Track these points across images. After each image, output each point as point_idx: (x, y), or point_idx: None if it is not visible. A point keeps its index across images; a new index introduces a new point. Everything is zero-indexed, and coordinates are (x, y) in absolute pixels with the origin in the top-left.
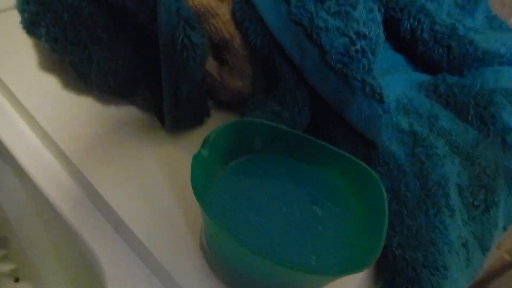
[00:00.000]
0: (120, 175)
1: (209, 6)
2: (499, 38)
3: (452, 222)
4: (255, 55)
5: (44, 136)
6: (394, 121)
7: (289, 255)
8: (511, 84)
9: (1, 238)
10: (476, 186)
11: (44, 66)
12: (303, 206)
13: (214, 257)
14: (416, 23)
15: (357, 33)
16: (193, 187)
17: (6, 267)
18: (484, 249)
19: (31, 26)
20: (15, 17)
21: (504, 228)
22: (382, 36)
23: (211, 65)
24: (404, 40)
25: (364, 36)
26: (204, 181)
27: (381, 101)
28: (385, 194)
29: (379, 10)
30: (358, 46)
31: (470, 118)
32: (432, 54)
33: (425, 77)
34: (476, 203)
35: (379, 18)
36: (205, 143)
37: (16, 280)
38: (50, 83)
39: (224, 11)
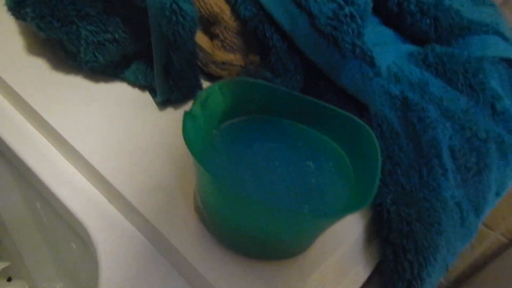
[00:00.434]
0: (113, 148)
1: None
2: (483, 10)
3: (445, 180)
4: (245, 27)
5: (36, 118)
6: (385, 87)
7: (282, 205)
8: (498, 52)
9: None
10: (468, 149)
11: (31, 50)
12: (296, 162)
13: (209, 214)
14: None
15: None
16: (186, 141)
17: None
18: (478, 211)
19: (16, 6)
20: None
21: (497, 194)
22: (370, 3)
23: (202, 39)
24: (392, 13)
25: (352, 2)
26: (197, 138)
27: (372, 64)
28: (377, 143)
29: None
30: (346, 11)
31: (460, 85)
32: (420, 25)
33: (414, 48)
34: (468, 165)
35: None
36: (196, 100)
37: (9, 279)
38: (39, 66)
39: None
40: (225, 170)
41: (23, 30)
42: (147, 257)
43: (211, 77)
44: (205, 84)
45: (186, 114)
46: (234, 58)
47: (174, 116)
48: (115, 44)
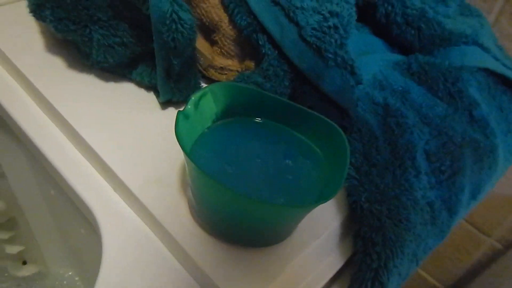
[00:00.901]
0: (119, 141)
1: None
2: (466, 21)
3: (417, 181)
4: (241, 34)
5: (51, 110)
6: (370, 95)
7: (260, 197)
8: (476, 62)
9: (11, 220)
10: (443, 153)
11: (50, 48)
12: (276, 159)
13: (198, 204)
14: (390, 7)
15: (330, 12)
16: (177, 136)
17: (15, 249)
18: (452, 212)
19: (37, 9)
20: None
21: (473, 197)
22: (354, 15)
23: (203, 45)
24: (380, 24)
25: (337, 15)
26: (188, 137)
27: (352, 72)
28: (347, 143)
29: None
30: (330, 23)
31: (439, 93)
32: (405, 35)
33: (399, 57)
34: (443, 168)
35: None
36: (190, 101)
37: (24, 263)
38: (56, 63)
39: None
40: (211, 164)
41: (43, 29)
42: (147, 242)
43: (210, 81)
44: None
45: (179, 113)
46: (231, 63)
47: (175, 115)
48: (123, 47)
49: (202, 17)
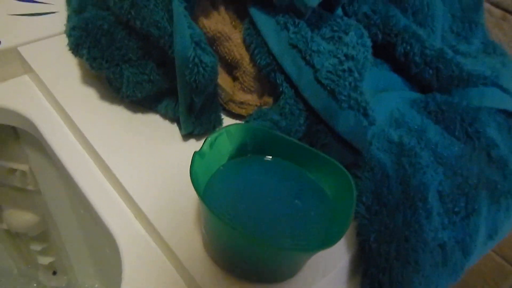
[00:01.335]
0: (142, 170)
1: (224, 32)
2: (488, 61)
3: (427, 223)
4: (261, 73)
5: (81, 137)
6: (385, 132)
7: (268, 237)
8: (495, 104)
9: (44, 232)
10: (457, 194)
11: (85, 80)
12: (286, 199)
13: (208, 239)
14: (408, 47)
15: (346, 55)
16: (192, 178)
17: (46, 260)
18: (466, 253)
19: (75, 48)
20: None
21: (491, 237)
22: (370, 58)
23: (225, 80)
24: (399, 62)
25: (352, 58)
26: (203, 174)
27: (365, 114)
28: (354, 189)
29: (376, 35)
30: (345, 66)
31: (457, 133)
32: (423, 74)
33: (417, 95)
34: (456, 209)
35: (368, 42)
36: (206, 142)
37: (54, 273)
38: (90, 95)
39: (236, 36)
40: (223, 200)
41: (81, 62)
42: (163, 269)
43: (231, 114)
44: (225, 119)
45: (195, 154)
46: (251, 98)
47: (196, 147)
48: (150, 83)
49: (225, 54)
